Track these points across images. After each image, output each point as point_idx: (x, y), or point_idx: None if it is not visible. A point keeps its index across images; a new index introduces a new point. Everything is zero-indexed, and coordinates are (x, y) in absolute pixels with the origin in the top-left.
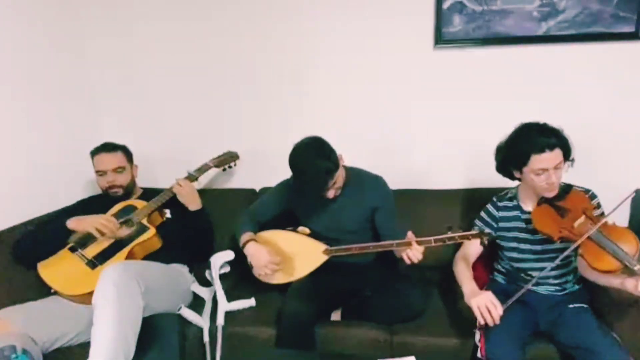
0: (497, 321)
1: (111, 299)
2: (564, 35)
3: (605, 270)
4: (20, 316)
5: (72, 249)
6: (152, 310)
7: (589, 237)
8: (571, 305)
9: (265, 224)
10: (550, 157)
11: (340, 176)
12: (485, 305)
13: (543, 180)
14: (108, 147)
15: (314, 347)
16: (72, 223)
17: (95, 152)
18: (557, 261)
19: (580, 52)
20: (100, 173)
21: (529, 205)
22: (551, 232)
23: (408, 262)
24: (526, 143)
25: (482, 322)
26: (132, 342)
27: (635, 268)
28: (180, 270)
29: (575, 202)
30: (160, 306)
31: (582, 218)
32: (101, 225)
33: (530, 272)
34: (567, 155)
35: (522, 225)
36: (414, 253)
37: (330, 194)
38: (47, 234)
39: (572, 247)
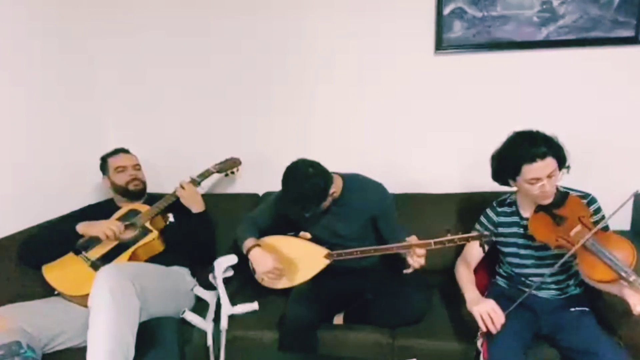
0: (499, 328)
1: (106, 302)
2: (563, 40)
3: (600, 280)
4: (18, 313)
5: (76, 251)
6: (150, 314)
7: (584, 246)
8: (573, 309)
9: (266, 230)
10: (541, 166)
11: (336, 187)
12: (487, 313)
13: (537, 189)
14: (124, 150)
15: (316, 351)
16: (81, 228)
17: (111, 154)
18: (554, 268)
19: (580, 56)
20: (120, 169)
21: (527, 212)
22: (548, 240)
23: (411, 268)
24: (517, 154)
25: (485, 330)
26: (131, 342)
27: (631, 279)
28: (181, 273)
29: (572, 209)
30: (160, 309)
31: (579, 226)
32: (108, 229)
33: (531, 278)
34: (561, 162)
35: (521, 231)
36: (415, 259)
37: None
38: (55, 238)
39: (567, 255)
